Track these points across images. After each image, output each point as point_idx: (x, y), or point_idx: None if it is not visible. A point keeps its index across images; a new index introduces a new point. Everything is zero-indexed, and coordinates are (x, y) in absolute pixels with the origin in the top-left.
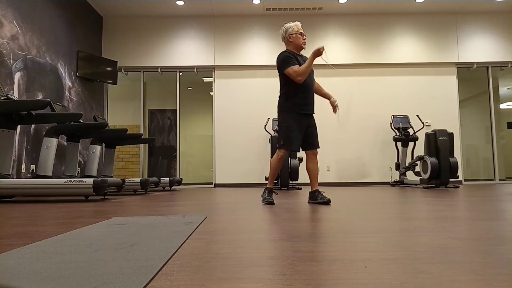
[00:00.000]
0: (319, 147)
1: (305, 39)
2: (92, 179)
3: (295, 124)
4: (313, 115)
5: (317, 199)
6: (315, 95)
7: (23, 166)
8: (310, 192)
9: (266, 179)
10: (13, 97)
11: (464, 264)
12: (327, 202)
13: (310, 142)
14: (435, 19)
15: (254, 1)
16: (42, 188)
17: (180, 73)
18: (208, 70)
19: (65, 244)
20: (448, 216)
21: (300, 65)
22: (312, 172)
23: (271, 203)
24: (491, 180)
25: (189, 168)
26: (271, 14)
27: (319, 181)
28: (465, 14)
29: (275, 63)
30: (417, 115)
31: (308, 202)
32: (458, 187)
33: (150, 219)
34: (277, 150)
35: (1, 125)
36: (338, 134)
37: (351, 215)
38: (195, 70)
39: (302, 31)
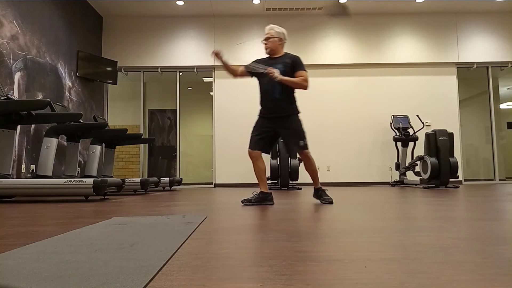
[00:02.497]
0: (295, 150)
1: (265, 44)
2: (92, 179)
3: (256, 126)
4: (289, 117)
5: (320, 197)
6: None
7: (23, 166)
8: (314, 188)
9: (267, 179)
10: (13, 97)
11: (464, 264)
12: (330, 202)
13: (287, 147)
14: (435, 19)
15: (254, 1)
16: (42, 188)
17: (180, 73)
18: (208, 70)
19: (65, 244)
20: (448, 216)
21: (258, 69)
22: (309, 172)
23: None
24: (491, 180)
25: (189, 168)
26: (271, 14)
27: (319, 181)
28: (465, 14)
29: None
30: (417, 115)
31: (313, 196)
32: (458, 187)
33: (150, 219)
34: None
35: (1, 125)
36: (338, 134)
37: (351, 215)
38: (195, 70)
39: (265, 35)
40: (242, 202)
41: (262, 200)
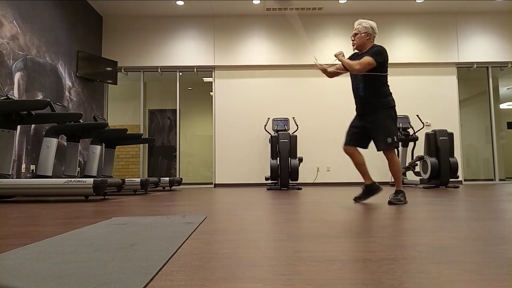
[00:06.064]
0: (381, 147)
1: (353, 40)
2: (92, 179)
3: (351, 124)
4: (377, 112)
5: (394, 200)
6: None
7: (23, 166)
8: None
9: (266, 179)
10: (13, 97)
11: (464, 264)
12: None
13: (374, 143)
14: (435, 19)
15: (254, 1)
16: (42, 188)
17: (180, 73)
18: (208, 70)
19: (65, 244)
20: (448, 216)
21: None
22: (391, 173)
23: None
24: (491, 180)
25: (189, 168)
26: (271, 14)
27: (319, 181)
28: (465, 14)
29: (275, 63)
30: (417, 115)
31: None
32: (458, 187)
33: (150, 219)
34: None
35: (1, 125)
36: (339, 134)
37: (351, 215)
38: (195, 70)
39: (353, 31)
40: (354, 199)
41: (369, 192)
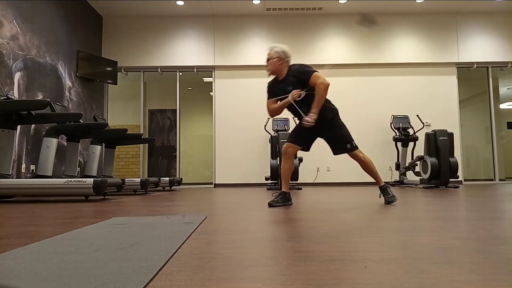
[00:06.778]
0: (335, 153)
1: (266, 65)
2: (92, 179)
3: (297, 128)
4: (329, 122)
5: (383, 196)
6: None
7: (23, 166)
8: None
9: (266, 179)
10: (13, 97)
11: (464, 264)
12: (390, 202)
13: (333, 150)
14: (435, 19)
15: (254, 1)
16: (42, 188)
17: (180, 73)
18: (208, 70)
19: (65, 244)
20: (448, 216)
21: (272, 96)
22: (367, 173)
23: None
24: (491, 180)
25: (189, 168)
26: (271, 14)
27: (319, 181)
28: (465, 14)
29: None
30: (417, 115)
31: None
32: (458, 187)
33: (150, 219)
34: None
35: (1, 125)
36: None
37: (351, 215)
38: (195, 70)
39: (266, 57)
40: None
41: (287, 199)
